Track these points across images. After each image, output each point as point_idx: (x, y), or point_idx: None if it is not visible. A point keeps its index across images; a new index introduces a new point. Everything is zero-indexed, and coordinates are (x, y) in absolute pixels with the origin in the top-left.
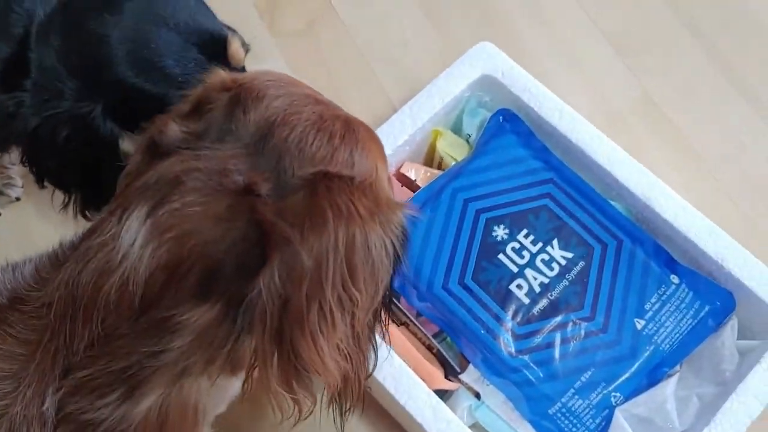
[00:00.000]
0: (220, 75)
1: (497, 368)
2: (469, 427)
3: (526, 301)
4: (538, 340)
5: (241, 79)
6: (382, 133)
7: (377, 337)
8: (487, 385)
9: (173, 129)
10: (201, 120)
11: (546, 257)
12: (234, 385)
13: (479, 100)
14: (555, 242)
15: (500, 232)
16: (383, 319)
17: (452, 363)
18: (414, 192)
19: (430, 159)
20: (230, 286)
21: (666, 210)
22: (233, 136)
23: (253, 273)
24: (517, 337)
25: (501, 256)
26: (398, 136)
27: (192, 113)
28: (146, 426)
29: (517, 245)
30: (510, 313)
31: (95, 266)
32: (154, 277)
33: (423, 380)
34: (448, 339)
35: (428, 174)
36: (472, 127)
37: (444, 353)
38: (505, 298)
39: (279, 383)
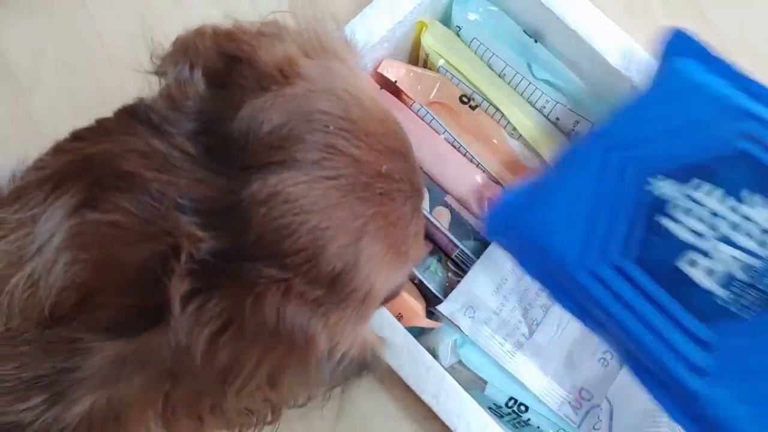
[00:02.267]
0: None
1: (681, 401)
2: (453, 365)
3: (720, 291)
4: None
5: (255, 50)
6: (354, 26)
7: None
8: (470, 317)
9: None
10: (185, 88)
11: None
12: None
13: None
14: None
15: (671, 190)
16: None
17: (436, 293)
18: (395, 95)
19: (416, 56)
20: None
21: None
22: (210, 143)
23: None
24: (706, 347)
25: (672, 225)
26: (374, 33)
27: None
28: (93, 424)
29: (702, 210)
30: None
31: (5, 248)
32: (66, 293)
33: (401, 316)
34: (433, 266)
35: (411, 74)
36: (462, 17)
37: (427, 284)
38: (680, 285)
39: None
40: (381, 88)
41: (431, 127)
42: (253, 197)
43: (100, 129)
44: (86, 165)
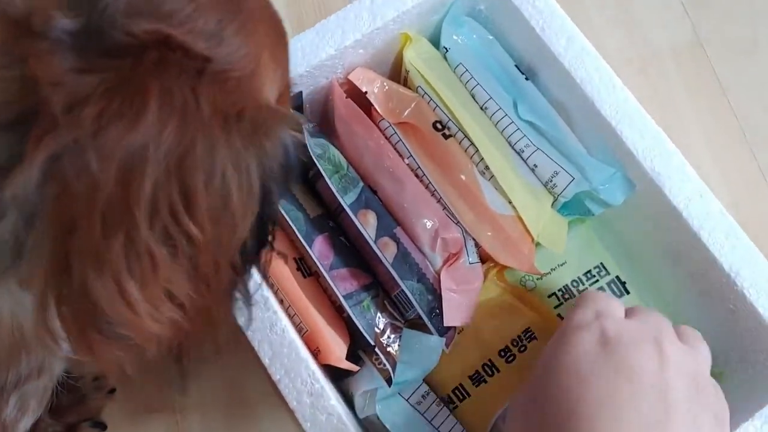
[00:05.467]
0: None
1: None
2: (368, 417)
3: None
4: None
5: None
6: (328, 24)
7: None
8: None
9: None
10: None
11: None
12: None
13: (471, 8)
14: None
15: None
16: (262, 259)
17: (365, 333)
18: (363, 107)
19: (397, 71)
20: None
21: (678, 193)
22: None
23: (8, 165)
24: None
25: None
26: (348, 33)
27: None
28: None
29: None
30: None
31: None
32: None
33: (318, 351)
34: (366, 302)
35: (385, 87)
36: (451, 38)
37: (355, 320)
38: None
39: (71, 338)
40: (347, 96)
41: (396, 149)
42: None
43: None
44: None
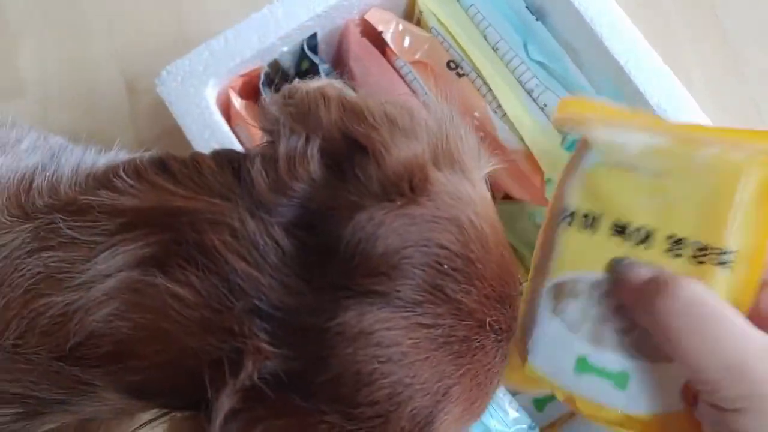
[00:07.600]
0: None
1: None
2: None
3: None
4: None
5: (384, 145)
6: None
7: None
8: None
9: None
10: (296, 167)
11: None
12: None
13: None
14: None
15: None
16: None
17: None
18: (378, 47)
19: (411, 12)
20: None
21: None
22: (309, 243)
23: None
24: None
25: None
26: None
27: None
28: None
29: None
30: None
31: (48, 263)
32: (100, 340)
33: None
34: None
35: (401, 28)
36: None
37: None
38: None
39: None
40: (363, 35)
41: (411, 87)
42: (343, 330)
43: (196, 175)
44: (170, 220)
